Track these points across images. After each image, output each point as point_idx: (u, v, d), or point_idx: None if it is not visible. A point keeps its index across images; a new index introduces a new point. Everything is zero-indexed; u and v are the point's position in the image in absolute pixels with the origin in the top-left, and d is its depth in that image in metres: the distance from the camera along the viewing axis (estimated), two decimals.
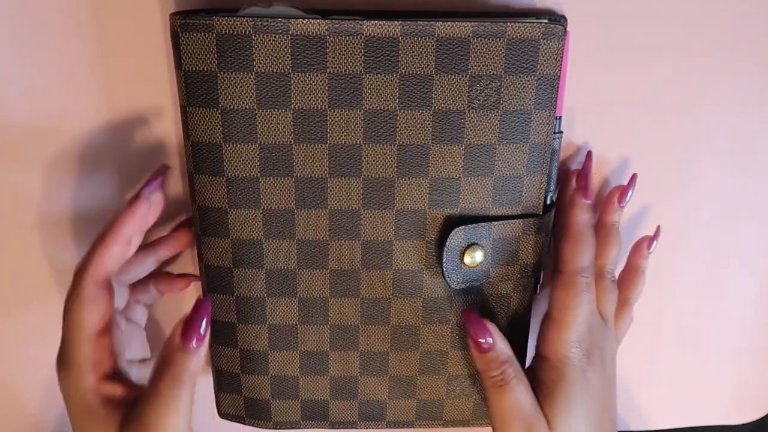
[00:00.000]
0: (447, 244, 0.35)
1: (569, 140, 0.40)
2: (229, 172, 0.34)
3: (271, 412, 0.40)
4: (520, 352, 0.39)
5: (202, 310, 0.31)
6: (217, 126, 0.33)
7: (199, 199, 0.35)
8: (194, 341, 0.31)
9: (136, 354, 0.39)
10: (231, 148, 0.34)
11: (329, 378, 0.39)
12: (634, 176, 0.38)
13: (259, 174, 0.34)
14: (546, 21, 0.33)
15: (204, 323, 0.31)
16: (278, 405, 0.40)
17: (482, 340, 0.36)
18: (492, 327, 0.36)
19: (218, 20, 0.31)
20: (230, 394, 0.40)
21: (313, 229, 0.36)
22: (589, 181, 0.38)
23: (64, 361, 0.32)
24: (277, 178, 0.35)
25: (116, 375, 0.33)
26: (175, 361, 0.30)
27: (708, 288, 0.43)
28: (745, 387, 0.46)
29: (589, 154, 0.39)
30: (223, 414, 0.41)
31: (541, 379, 0.37)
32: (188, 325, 0.31)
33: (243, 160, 0.34)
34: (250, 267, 0.36)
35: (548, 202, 0.37)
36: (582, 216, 0.37)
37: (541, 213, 0.36)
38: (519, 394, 0.35)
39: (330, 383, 0.39)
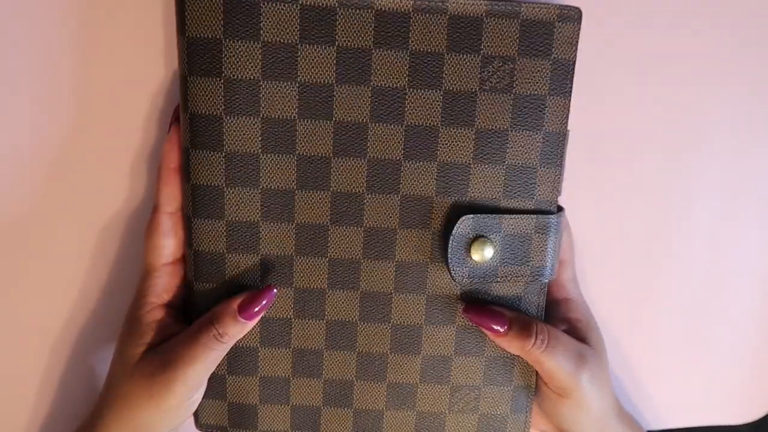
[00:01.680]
0: (453, 233, 0.33)
1: (573, 135, 0.39)
2: (229, 147, 0.33)
3: (258, 419, 0.37)
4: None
5: (266, 295, 0.33)
6: (219, 97, 0.32)
7: (194, 177, 0.33)
8: (247, 316, 0.33)
9: None
10: (232, 122, 0.32)
11: (323, 381, 0.36)
12: None
13: (260, 150, 0.33)
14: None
15: (262, 306, 0.33)
16: (266, 411, 0.37)
17: (501, 322, 0.34)
18: (498, 309, 0.35)
19: None
20: (213, 401, 0.37)
21: (314, 213, 0.34)
22: None
23: (141, 281, 0.35)
24: (278, 156, 0.33)
25: (173, 307, 0.35)
26: (225, 322, 0.33)
27: (708, 288, 0.43)
28: (746, 387, 0.45)
29: None
30: (202, 425, 0.38)
31: (574, 318, 0.37)
32: (249, 301, 0.33)
33: (244, 134, 0.33)
34: (245, 252, 0.34)
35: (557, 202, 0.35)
36: None
37: (555, 210, 0.35)
38: (565, 342, 0.35)
39: (323, 387, 0.36)
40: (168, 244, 0.34)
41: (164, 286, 0.35)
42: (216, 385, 0.36)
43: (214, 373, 0.36)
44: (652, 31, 0.38)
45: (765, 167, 0.41)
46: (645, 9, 0.38)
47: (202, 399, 0.36)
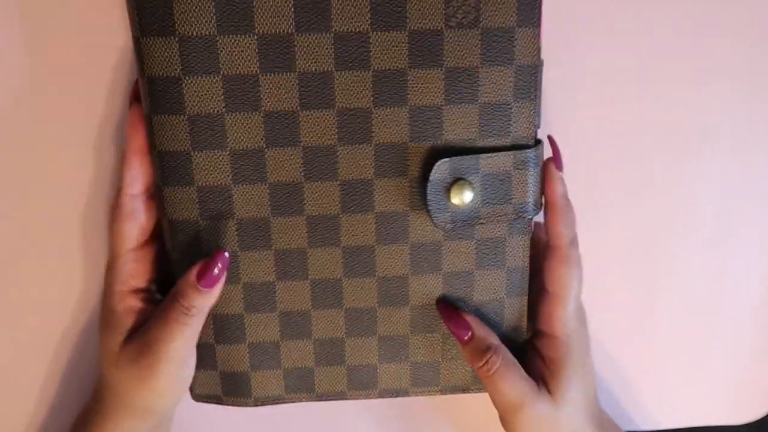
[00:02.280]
0: (431, 178, 0.33)
1: (573, 135, 0.38)
2: (191, 109, 0.31)
3: (252, 385, 0.36)
4: (519, 305, 0.36)
5: (220, 259, 0.33)
6: (175, 57, 0.31)
7: (159, 144, 0.32)
8: (207, 283, 0.33)
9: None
10: (191, 82, 0.31)
11: (313, 341, 0.36)
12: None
13: (223, 110, 0.32)
14: None
15: (218, 270, 0.33)
16: (259, 377, 0.36)
17: (462, 333, 0.35)
18: (470, 318, 0.35)
19: None
20: (204, 371, 0.36)
21: (286, 170, 0.33)
22: (559, 152, 0.35)
23: (107, 270, 0.34)
24: (243, 114, 0.32)
25: (145, 291, 0.35)
26: (188, 295, 0.33)
27: (708, 288, 0.43)
28: (746, 387, 0.45)
29: (550, 137, 0.36)
30: (197, 396, 0.37)
31: (547, 356, 0.36)
32: (204, 268, 0.33)
33: (205, 94, 0.31)
34: (219, 218, 0.33)
35: (536, 136, 0.34)
36: (560, 187, 0.35)
37: (533, 144, 0.34)
38: (508, 383, 0.34)
39: (314, 347, 0.36)
40: (131, 228, 0.33)
41: (130, 272, 0.34)
42: (205, 355, 0.36)
43: (202, 342, 0.35)
44: (652, 31, 0.37)
45: (765, 167, 0.41)
46: (645, 8, 0.37)
47: (195, 371, 0.36)
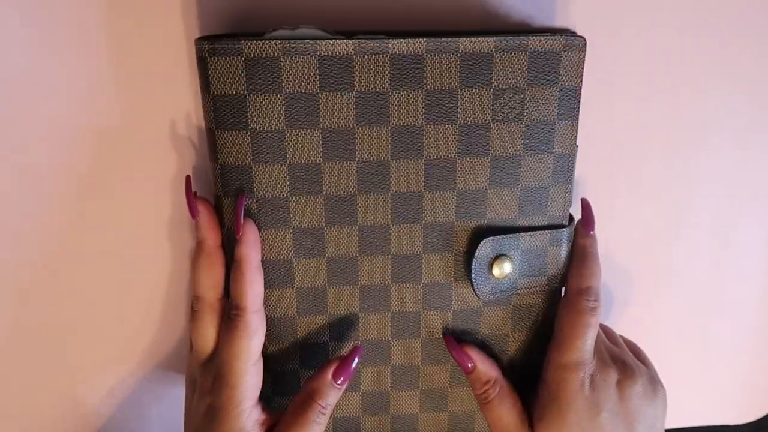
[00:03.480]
0: (476, 255, 0.36)
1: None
2: (259, 193, 0.34)
3: None
4: (539, 362, 0.40)
5: (356, 355, 0.35)
6: (246, 148, 0.33)
7: (228, 222, 0.35)
8: (344, 379, 0.35)
9: None
10: (260, 170, 0.34)
11: (360, 394, 0.39)
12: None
13: (288, 194, 0.35)
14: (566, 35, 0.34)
15: (354, 366, 0.35)
16: None
17: (465, 364, 0.38)
18: (473, 352, 0.38)
19: (247, 44, 0.32)
20: None
21: (343, 246, 0.36)
22: (591, 216, 0.38)
23: (223, 385, 0.34)
24: (306, 197, 0.35)
25: (260, 400, 0.36)
26: (325, 394, 0.34)
27: (708, 288, 0.44)
28: (745, 387, 0.46)
29: (584, 200, 0.39)
30: None
31: (538, 398, 0.37)
32: (343, 366, 0.35)
33: (272, 180, 0.34)
34: (281, 287, 0.36)
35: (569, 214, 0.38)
36: (584, 240, 0.37)
37: (567, 223, 0.37)
38: (499, 413, 0.37)
39: (361, 399, 0.40)
40: (257, 344, 0.34)
41: (254, 386, 0.35)
42: None
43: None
44: (654, 31, 0.38)
45: (766, 167, 0.41)
46: (647, 11, 0.38)
47: None
